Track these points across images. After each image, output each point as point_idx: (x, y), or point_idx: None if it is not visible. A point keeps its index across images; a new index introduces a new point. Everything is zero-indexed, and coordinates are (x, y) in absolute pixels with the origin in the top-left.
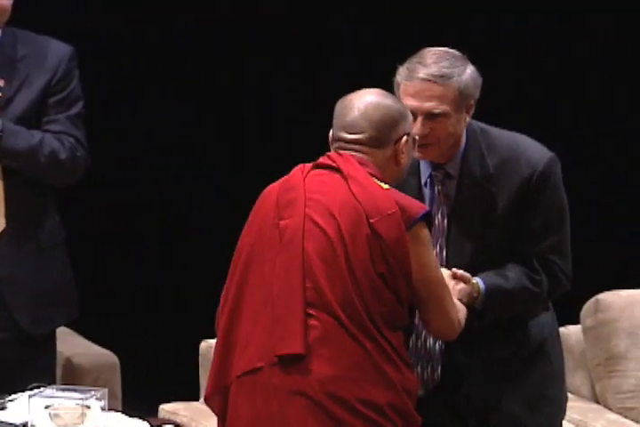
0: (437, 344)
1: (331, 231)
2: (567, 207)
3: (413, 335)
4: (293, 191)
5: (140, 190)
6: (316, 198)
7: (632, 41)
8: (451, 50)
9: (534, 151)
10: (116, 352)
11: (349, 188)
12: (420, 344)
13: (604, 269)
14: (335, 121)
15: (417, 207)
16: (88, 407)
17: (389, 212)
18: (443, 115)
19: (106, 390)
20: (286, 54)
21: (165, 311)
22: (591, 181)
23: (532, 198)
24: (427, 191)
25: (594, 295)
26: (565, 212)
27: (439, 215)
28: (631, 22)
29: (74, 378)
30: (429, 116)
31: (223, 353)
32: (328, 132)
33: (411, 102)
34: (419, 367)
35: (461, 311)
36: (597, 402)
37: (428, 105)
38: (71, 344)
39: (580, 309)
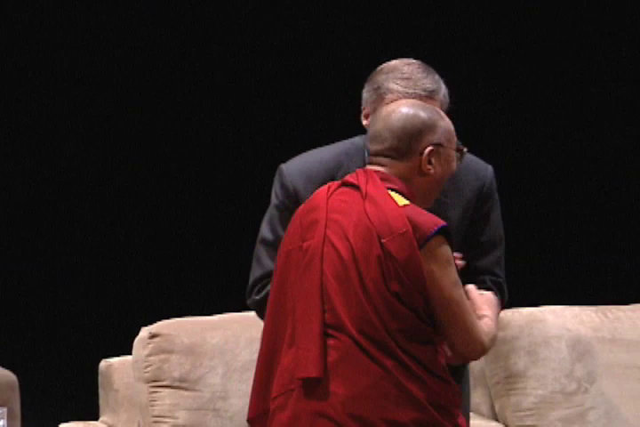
0: None
1: (344, 253)
2: None
3: None
4: (315, 212)
5: (35, 208)
6: (335, 219)
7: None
8: (421, 62)
9: (478, 163)
10: (14, 371)
11: (364, 207)
12: None
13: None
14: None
15: (430, 224)
16: None
17: (401, 231)
18: None
19: (5, 409)
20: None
21: (65, 331)
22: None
23: (481, 211)
24: None
25: None
26: (502, 225)
27: None
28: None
29: None
30: None
31: (264, 378)
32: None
33: None
34: None
35: (489, 333)
36: (497, 420)
37: None
38: None
39: None
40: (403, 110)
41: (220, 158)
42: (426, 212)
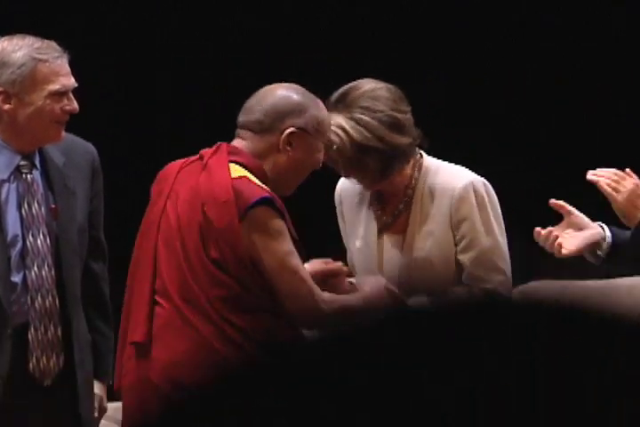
0: None
1: (174, 221)
2: None
3: None
4: (163, 182)
5: None
6: (176, 190)
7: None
8: None
9: (80, 140)
10: None
11: (199, 178)
12: None
13: None
14: None
15: (252, 194)
16: None
17: (222, 199)
18: None
19: None
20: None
21: None
22: None
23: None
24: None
25: None
26: None
27: None
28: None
29: None
30: None
31: (121, 346)
32: None
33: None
34: None
35: (332, 302)
36: None
37: None
38: None
39: None
40: (280, 90)
41: None
42: (255, 184)
